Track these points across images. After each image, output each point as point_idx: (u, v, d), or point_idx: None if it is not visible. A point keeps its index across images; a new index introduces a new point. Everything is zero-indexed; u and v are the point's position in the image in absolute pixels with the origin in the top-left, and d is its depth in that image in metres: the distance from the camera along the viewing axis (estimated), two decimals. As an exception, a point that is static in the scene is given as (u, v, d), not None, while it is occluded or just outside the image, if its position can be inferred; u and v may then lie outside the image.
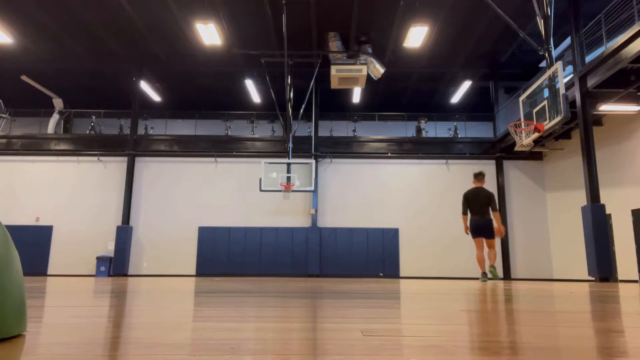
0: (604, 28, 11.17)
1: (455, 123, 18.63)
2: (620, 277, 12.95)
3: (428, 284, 6.27)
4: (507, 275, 16.52)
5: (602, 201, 11.59)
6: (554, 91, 8.05)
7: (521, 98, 9.53)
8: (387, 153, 17.51)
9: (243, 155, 17.61)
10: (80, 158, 17.64)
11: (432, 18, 13.68)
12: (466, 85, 17.39)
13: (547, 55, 8.65)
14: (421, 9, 13.18)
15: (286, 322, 1.39)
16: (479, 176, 7.98)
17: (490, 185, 17.37)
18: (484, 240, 7.87)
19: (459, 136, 18.06)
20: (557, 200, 16.55)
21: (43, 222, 17.10)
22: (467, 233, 7.92)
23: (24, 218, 17.12)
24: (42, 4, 13.10)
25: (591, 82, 11.34)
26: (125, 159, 17.53)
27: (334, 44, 14.61)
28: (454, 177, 17.47)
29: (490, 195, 7.83)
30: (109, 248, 16.88)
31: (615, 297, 3.02)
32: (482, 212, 7.80)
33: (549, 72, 8.32)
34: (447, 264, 16.76)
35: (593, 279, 11.37)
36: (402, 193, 17.41)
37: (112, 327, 1.23)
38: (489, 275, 7.77)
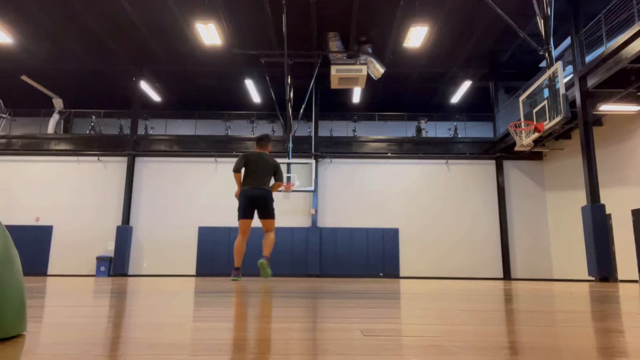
0: (604, 28, 11.17)
1: (455, 123, 18.63)
2: (620, 277, 12.95)
3: (428, 284, 6.27)
4: (507, 275, 16.52)
5: (602, 201, 11.59)
6: (554, 91, 8.05)
7: (521, 98, 9.53)
8: (387, 153, 17.50)
9: (243, 155, 17.59)
10: (80, 158, 17.63)
11: (432, 18, 13.68)
12: (466, 85, 17.39)
13: (547, 55, 8.65)
14: (421, 9, 13.18)
15: (286, 322, 1.39)
16: (263, 141, 6.30)
17: (490, 185, 17.37)
18: (262, 222, 6.03)
19: (459, 136, 18.06)
20: (557, 200, 16.55)
21: (43, 222, 17.10)
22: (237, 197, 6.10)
23: (24, 218, 17.12)
24: (42, 4, 13.10)
25: (591, 82, 11.34)
26: (125, 159, 17.53)
27: (334, 44, 14.61)
28: (454, 177, 17.47)
29: (276, 164, 6.19)
30: (109, 248, 16.87)
31: (615, 297, 3.02)
32: (262, 181, 6.02)
33: (549, 72, 8.32)
34: (447, 264, 16.75)
35: (593, 279, 11.38)
36: (402, 193, 17.41)
37: (112, 327, 1.23)
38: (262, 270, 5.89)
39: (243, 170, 6.06)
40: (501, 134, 16.70)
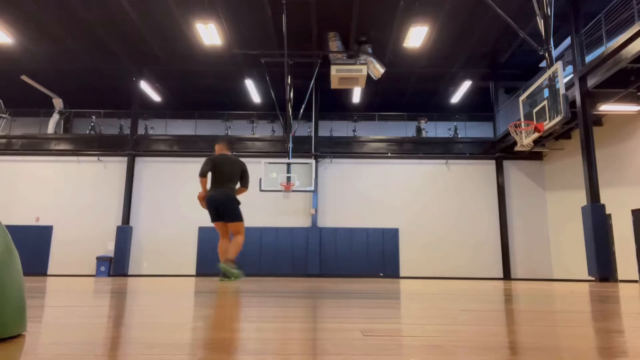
0: (604, 28, 11.17)
1: (455, 123, 18.63)
2: (620, 277, 12.95)
3: (428, 284, 6.27)
4: (507, 275, 16.52)
5: (602, 201, 11.60)
6: (554, 91, 8.05)
7: (521, 98, 9.52)
8: (387, 153, 17.50)
9: (243, 155, 17.60)
10: (80, 158, 17.63)
11: (432, 18, 13.68)
12: (466, 85, 17.39)
13: (547, 55, 8.64)
14: (421, 9, 13.18)
15: (286, 322, 1.39)
16: (223, 143, 6.33)
17: (490, 185, 17.37)
18: (228, 225, 6.09)
19: (459, 136, 18.06)
20: (557, 200, 16.55)
21: (43, 222, 17.10)
22: (202, 205, 6.15)
23: (24, 218, 17.12)
24: (42, 4, 13.10)
25: (591, 82, 11.34)
26: (125, 159, 17.53)
27: (334, 44, 14.60)
28: (454, 177, 17.47)
29: (243, 168, 6.18)
30: (108, 248, 16.87)
31: (615, 297, 3.02)
32: (227, 184, 6.06)
33: (549, 72, 8.32)
34: (447, 264, 16.75)
35: (593, 279, 11.37)
36: (402, 193, 17.40)
37: (112, 327, 1.23)
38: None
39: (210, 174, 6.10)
40: (501, 134, 16.70)
